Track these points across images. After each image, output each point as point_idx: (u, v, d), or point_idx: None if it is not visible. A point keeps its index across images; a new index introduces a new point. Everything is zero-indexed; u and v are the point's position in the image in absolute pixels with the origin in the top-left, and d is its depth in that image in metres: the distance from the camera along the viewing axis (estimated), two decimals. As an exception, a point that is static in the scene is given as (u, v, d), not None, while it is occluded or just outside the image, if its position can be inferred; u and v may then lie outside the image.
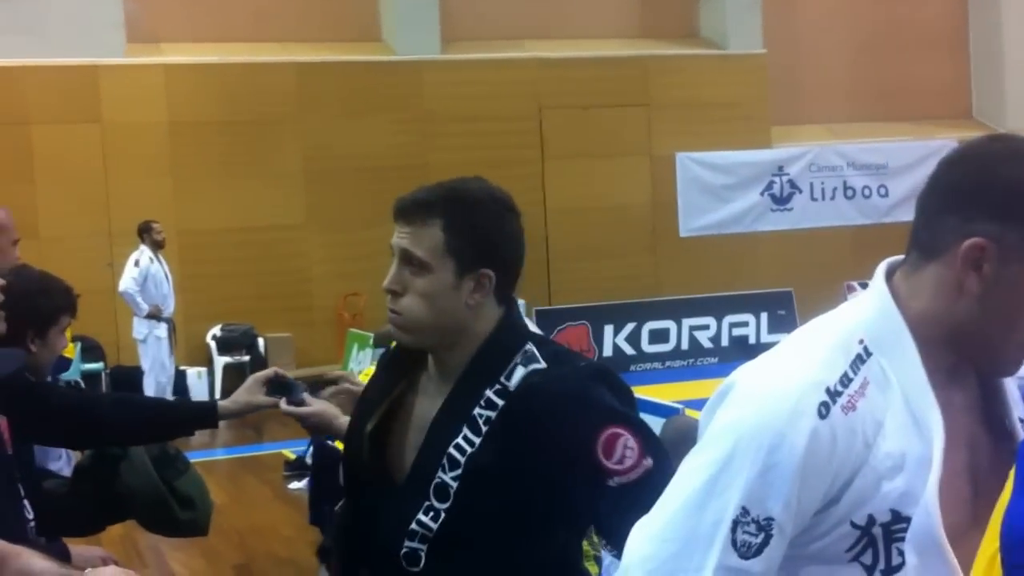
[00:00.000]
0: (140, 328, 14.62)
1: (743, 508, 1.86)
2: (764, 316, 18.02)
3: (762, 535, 1.86)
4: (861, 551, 1.90)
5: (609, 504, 2.50)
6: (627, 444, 2.52)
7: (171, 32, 17.19)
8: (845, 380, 1.89)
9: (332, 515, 2.96)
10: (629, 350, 17.49)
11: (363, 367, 11.62)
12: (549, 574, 2.76)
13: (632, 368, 16.96)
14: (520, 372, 2.65)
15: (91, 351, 15.48)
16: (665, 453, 2.56)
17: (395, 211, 2.75)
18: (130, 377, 15.15)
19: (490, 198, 2.76)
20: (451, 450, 2.64)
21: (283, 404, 3.46)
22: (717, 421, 1.94)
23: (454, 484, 2.62)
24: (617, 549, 2.19)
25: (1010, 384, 2.04)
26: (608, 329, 17.45)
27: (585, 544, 2.92)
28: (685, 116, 19.26)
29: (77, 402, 4.21)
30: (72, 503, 4.32)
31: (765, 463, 1.84)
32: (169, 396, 14.03)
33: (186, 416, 4.02)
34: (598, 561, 4.77)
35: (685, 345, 17.79)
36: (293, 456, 12.00)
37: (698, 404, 2.09)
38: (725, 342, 17.83)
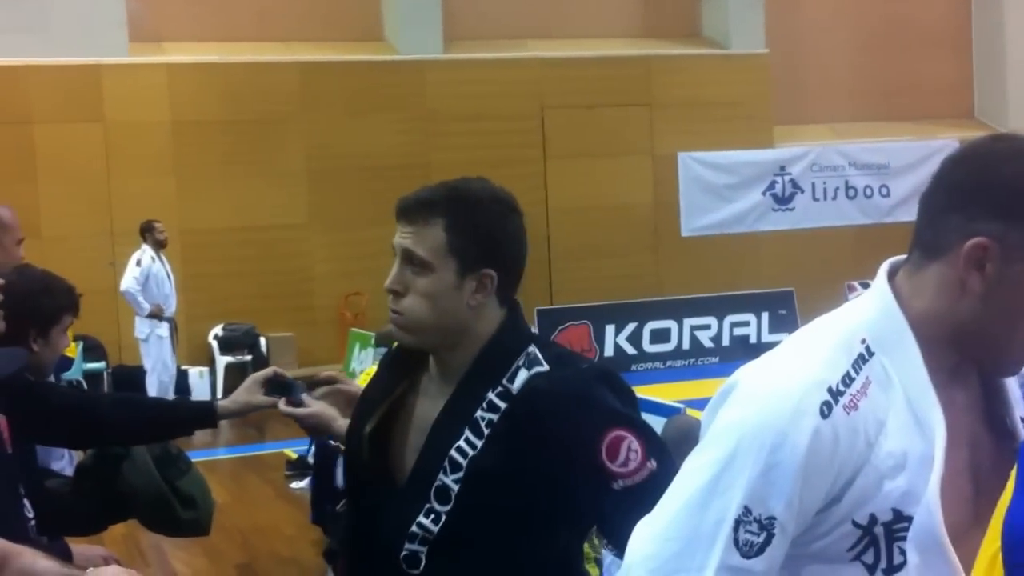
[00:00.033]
0: (142, 327, 14.62)
1: (745, 507, 1.86)
2: (765, 316, 17.99)
3: (764, 534, 1.86)
4: (863, 550, 1.90)
5: (613, 507, 2.49)
6: (631, 447, 2.52)
7: (174, 31, 17.19)
8: (847, 379, 1.89)
9: (334, 514, 2.96)
10: (630, 350, 17.47)
11: (365, 367, 11.61)
12: (550, 575, 2.75)
13: (633, 368, 16.95)
14: (523, 375, 2.64)
15: (93, 350, 15.48)
16: (668, 455, 2.56)
17: (397, 210, 2.73)
18: (132, 377, 15.15)
19: (493, 198, 2.74)
20: (452, 452, 2.62)
21: (281, 404, 3.44)
22: (719, 420, 1.94)
23: (455, 487, 2.61)
24: (621, 551, 2.19)
25: (1011, 383, 2.04)
26: (609, 329, 17.43)
27: (586, 546, 2.91)
28: (687, 116, 19.27)
29: (77, 402, 4.21)
30: (74, 502, 4.32)
31: (767, 462, 1.85)
32: (171, 395, 14.04)
33: (185, 416, 4.02)
34: (598, 563, 4.77)
35: (686, 345, 17.77)
36: (295, 455, 12.01)
37: (699, 404, 2.09)
38: (726, 342, 17.81)
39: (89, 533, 4.63)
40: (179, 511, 4.29)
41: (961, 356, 1.97)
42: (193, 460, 4.47)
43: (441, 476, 2.62)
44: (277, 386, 3.57)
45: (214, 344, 16.66)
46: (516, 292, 2.80)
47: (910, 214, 2.01)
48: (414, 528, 2.63)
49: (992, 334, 1.93)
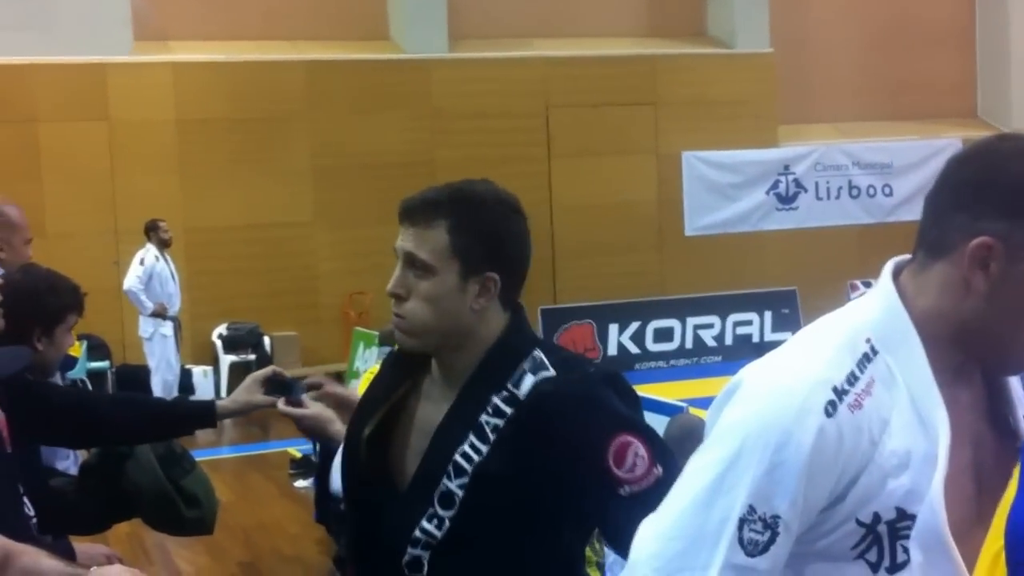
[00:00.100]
0: (146, 326, 14.63)
1: (750, 506, 1.86)
2: (768, 315, 18.01)
3: (768, 533, 1.86)
4: (866, 548, 1.90)
5: (618, 512, 2.47)
6: (638, 452, 2.50)
7: (179, 30, 17.20)
8: (852, 379, 1.90)
9: (338, 513, 2.95)
10: (634, 349, 17.48)
11: (369, 366, 11.61)
12: (553, 575, 2.74)
13: (636, 367, 16.97)
14: (530, 380, 2.62)
15: (97, 349, 15.48)
16: (674, 460, 2.54)
17: (400, 213, 2.71)
18: (136, 376, 15.15)
19: (497, 200, 2.71)
20: (457, 457, 2.60)
21: (280, 404, 3.42)
22: (724, 419, 1.94)
23: (460, 492, 2.59)
24: (626, 555, 2.19)
25: (1014, 382, 2.04)
26: (613, 328, 17.45)
27: (587, 551, 2.91)
28: (692, 115, 19.26)
29: (77, 401, 4.21)
30: (78, 501, 4.32)
31: (772, 461, 1.85)
32: (175, 395, 14.05)
33: (185, 415, 4.01)
34: (600, 567, 4.76)
35: (689, 344, 17.78)
36: (299, 454, 12.01)
37: (702, 402, 2.09)
38: (729, 341, 17.82)
39: (93, 532, 4.64)
40: (183, 510, 4.30)
41: (965, 355, 1.98)
42: (197, 459, 4.48)
43: (445, 481, 2.60)
44: (277, 385, 3.56)
45: (218, 343, 16.66)
46: (519, 295, 2.77)
47: (913, 213, 2.02)
48: (417, 533, 2.61)
49: (996, 333, 1.93)
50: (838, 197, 20.52)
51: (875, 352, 1.94)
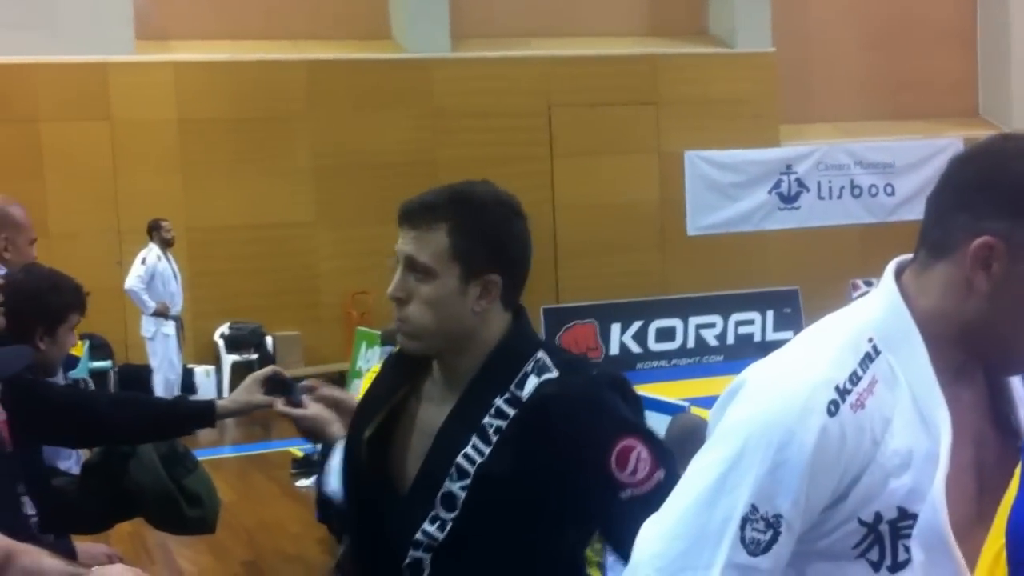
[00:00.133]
0: (148, 326, 14.63)
1: (752, 505, 1.87)
2: (770, 314, 18.01)
3: (771, 532, 1.87)
4: (868, 547, 1.91)
5: (619, 515, 2.48)
6: (640, 456, 2.50)
7: (181, 29, 17.19)
8: (854, 378, 1.90)
9: (340, 514, 2.93)
10: (636, 348, 17.48)
11: (371, 365, 11.62)
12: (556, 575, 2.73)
13: (638, 366, 16.98)
14: (533, 382, 2.61)
15: (99, 349, 15.48)
16: (675, 464, 2.54)
17: (400, 215, 2.69)
18: (138, 375, 15.16)
19: (497, 201, 2.70)
20: (460, 459, 2.59)
21: (279, 404, 3.40)
22: (727, 419, 1.95)
23: (462, 494, 2.58)
24: (624, 560, 2.18)
25: (1016, 382, 2.04)
26: (615, 327, 17.44)
27: (588, 551, 2.90)
28: (694, 114, 19.25)
29: (76, 401, 4.21)
30: (81, 501, 4.33)
31: (775, 460, 1.85)
32: (177, 394, 14.04)
33: (185, 415, 4.01)
34: (600, 567, 4.76)
35: (691, 343, 17.78)
36: (301, 453, 12.02)
37: (704, 402, 2.10)
38: (731, 340, 17.82)
39: (96, 531, 4.65)
40: (185, 509, 4.30)
41: (967, 355, 1.98)
42: (199, 458, 4.49)
43: (447, 483, 2.59)
44: (277, 385, 3.56)
45: (220, 343, 16.66)
46: (520, 296, 2.76)
47: (914, 213, 2.02)
48: (419, 535, 2.60)
49: (998, 333, 1.94)
50: (840, 196, 20.51)
51: (877, 352, 1.94)
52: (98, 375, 15.15)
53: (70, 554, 3.93)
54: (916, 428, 1.90)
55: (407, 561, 2.62)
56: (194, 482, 4.34)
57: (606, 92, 18.78)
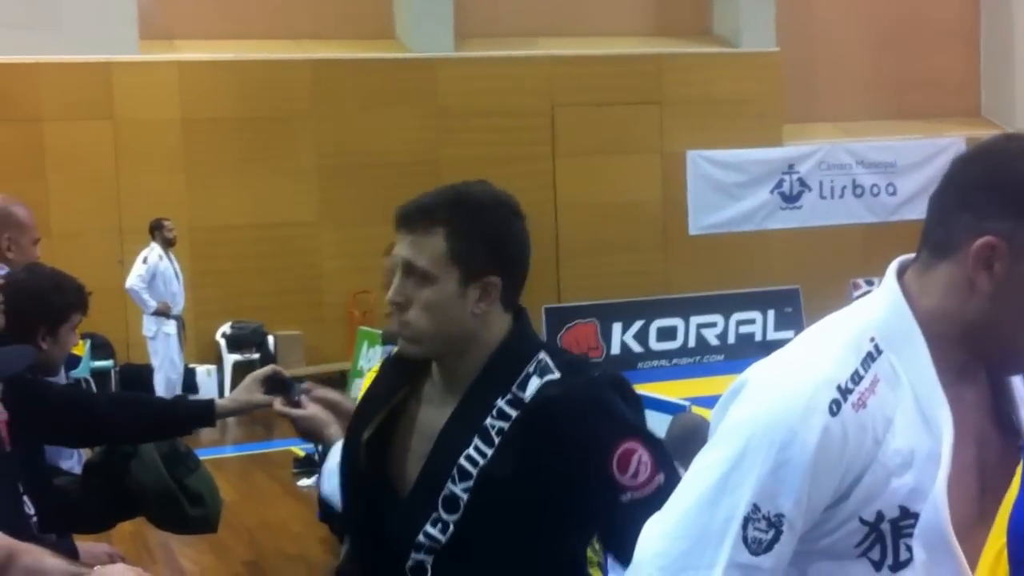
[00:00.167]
0: (149, 325, 14.62)
1: (754, 505, 1.87)
2: (771, 313, 18.01)
3: (773, 531, 1.87)
4: (870, 547, 1.91)
5: (618, 518, 2.48)
6: (641, 459, 2.50)
7: (185, 29, 17.19)
8: (856, 377, 1.90)
9: (342, 514, 2.92)
10: (637, 348, 17.48)
11: (373, 364, 11.62)
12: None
13: (639, 365, 16.98)
14: (535, 383, 2.60)
15: (101, 348, 15.48)
16: (675, 469, 2.54)
17: (397, 219, 2.68)
18: (140, 375, 15.15)
19: (494, 201, 2.68)
20: (462, 461, 2.57)
21: (277, 403, 3.40)
22: (729, 418, 1.95)
23: (464, 495, 2.57)
24: (623, 562, 2.18)
25: (1018, 382, 2.04)
26: (616, 327, 17.44)
27: (588, 551, 2.89)
28: (697, 113, 19.24)
29: (75, 401, 4.21)
30: (83, 500, 4.33)
31: (777, 460, 1.86)
32: (178, 393, 14.04)
33: (184, 414, 4.01)
34: (601, 568, 4.75)
35: (692, 343, 17.78)
36: (303, 453, 12.02)
37: (705, 401, 2.10)
38: (732, 340, 17.82)
39: (98, 531, 4.65)
40: (187, 509, 4.30)
41: (969, 354, 1.98)
42: (201, 457, 4.49)
43: (449, 485, 2.58)
44: (277, 384, 3.56)
45: (222, 342, 16.64)
46: (520, 296, 2.75)
47: (916, 212, 2.03)
48: (420, 538, 2.59)
49: (1000, 333, 1.94)
50: (842, 196, 20.50)
51: (879, 351, 1.94)
52: (100, 374, 15.15)
53: (72, 553, 3.93)
54: (918, 427, 1.90)
55: (409, 564, 2.61)
56: (196, 481, 4.34)
57: (610, 92, 18.78)
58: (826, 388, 1.88)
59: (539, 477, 2.54)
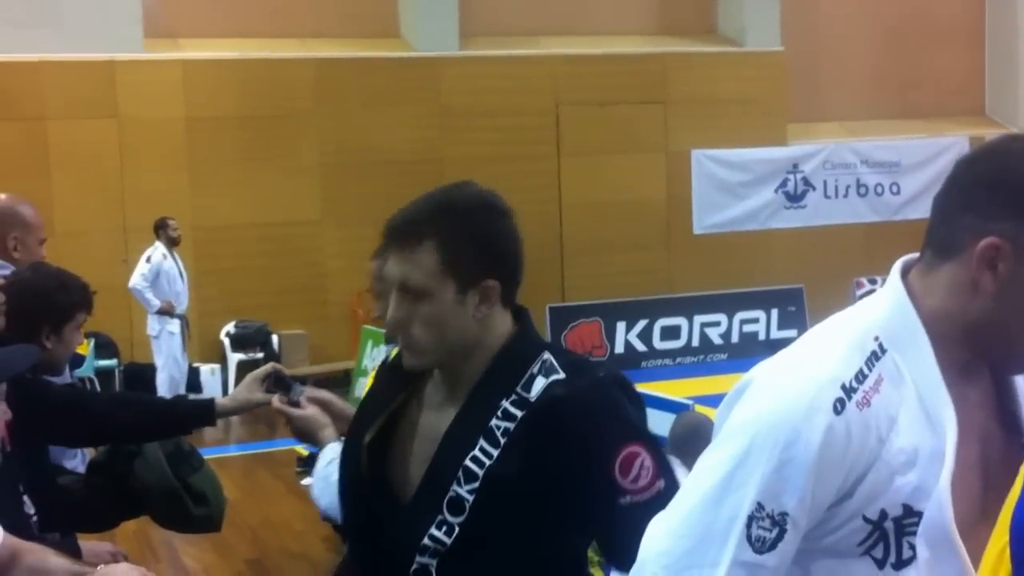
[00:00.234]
0: (153, 324, 14.61)
1: (758, 503, 1.87)
2: (775, 312, 18.02)
3: (776, 530, 1.87)
4: (873, 545, 1.91)
5: (616, 521, 2.48)
6: (644, 463, 2.49)
7: (189, 27, 17.19)
8: (860, 376, 1.91)
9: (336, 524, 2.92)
10: (640, 347, 17.48)
11: (377, 363, 11.62)
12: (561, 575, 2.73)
13: (643, 364, 16.99)
14: (540, 383, 2.58)
15: (105, 348, 15.47)
16: (674, 475, 2.54)
17: (384, 236, 2.64)
18: (143, 374, 15.15)
19: (480, 204, 2.65)
20: (467, 463, 2.56)
21: (276, 401, 3.41)
22: (734, 417, 1.95)
23: (470, 497, 2.55)
24: (619, 565, 2.18)
25: (1021, 381, 2.05)
26: (620, 326, 17.43)
27: (589, 551, 2.89)
28: (702, 113, 19.24)
29: (75, 400, 4.21)
30: (87, 499, 4.33)
31: (781, 459, 1.86)
32: (183, 393, 14.04)
33: (184, 414, 4.02)
34: (602, 568, 4.75)
35: (696, 342, 17.78)
36: (306, 452, 12.00)
37: (708, 400, 2.10)
38: (735, 339, 17.82)
39: (101, 529, 4.65)
40: (191, 507, 4.31)
41: (973, 354, 1.98)
42: (205, 456, 4.49)
43: (454, 487, 2.56)
44: (277, 383, 3.56)
45: (226, 341, 16.64)
46: (519, 293, 2.73)
47: (920, 212, 2.03)
48: (426, 541, 2.57)
49: (1004, 333, 1.94)
50: (846, 195, 20.50)
51: (883, 350, 1.95)
52: (103, 373, 15.14)
53: (75, 552, 3.93)
54: (922, 426, 1.91)
55: (413, 567, 2.59)
56: (200, 480, 4.34)
57: (614, 91, 18.77)
58: (830, 387, 1.88)
59: (544, 477, 2.53)
